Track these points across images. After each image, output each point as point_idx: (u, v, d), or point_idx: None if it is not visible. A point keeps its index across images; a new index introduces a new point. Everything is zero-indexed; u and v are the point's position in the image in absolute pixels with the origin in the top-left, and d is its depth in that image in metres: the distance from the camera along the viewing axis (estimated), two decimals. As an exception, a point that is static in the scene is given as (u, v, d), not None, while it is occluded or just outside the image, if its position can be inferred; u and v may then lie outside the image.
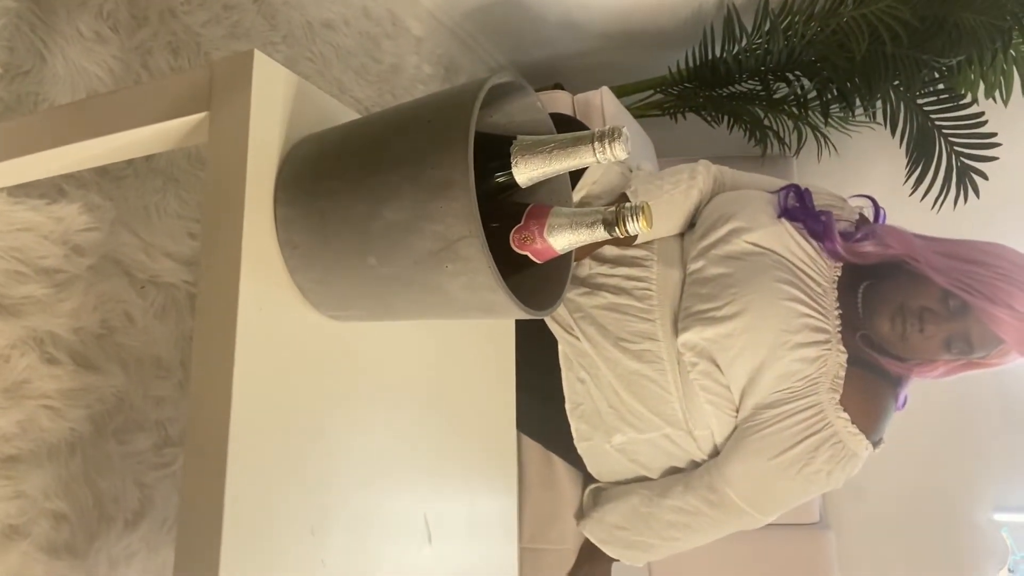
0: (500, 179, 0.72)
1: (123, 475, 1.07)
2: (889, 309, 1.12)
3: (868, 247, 1.18)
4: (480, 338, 1.04)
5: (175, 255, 1.17)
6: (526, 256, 0.75)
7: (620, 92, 2.11)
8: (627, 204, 0.69)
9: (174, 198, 1.19)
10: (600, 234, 0.71)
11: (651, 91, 2.36)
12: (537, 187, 0.79)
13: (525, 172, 0.69)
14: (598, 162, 0.66)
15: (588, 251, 1.28)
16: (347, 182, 0.68)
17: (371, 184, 0.66)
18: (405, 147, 0.65)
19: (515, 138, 0.71)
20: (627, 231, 0.70)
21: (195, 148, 1.24)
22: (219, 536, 0.61)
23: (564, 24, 2.28)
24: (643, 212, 0.69)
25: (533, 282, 0.76)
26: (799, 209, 1.22)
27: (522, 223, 0.73)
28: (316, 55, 1.58)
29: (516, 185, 0.75)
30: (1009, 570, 2.04)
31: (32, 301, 0.97)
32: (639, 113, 2.35)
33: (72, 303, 1.01)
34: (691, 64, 2.25)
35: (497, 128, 0.78)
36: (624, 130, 0.64)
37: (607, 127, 0.64)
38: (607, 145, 0.64)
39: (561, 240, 0.72)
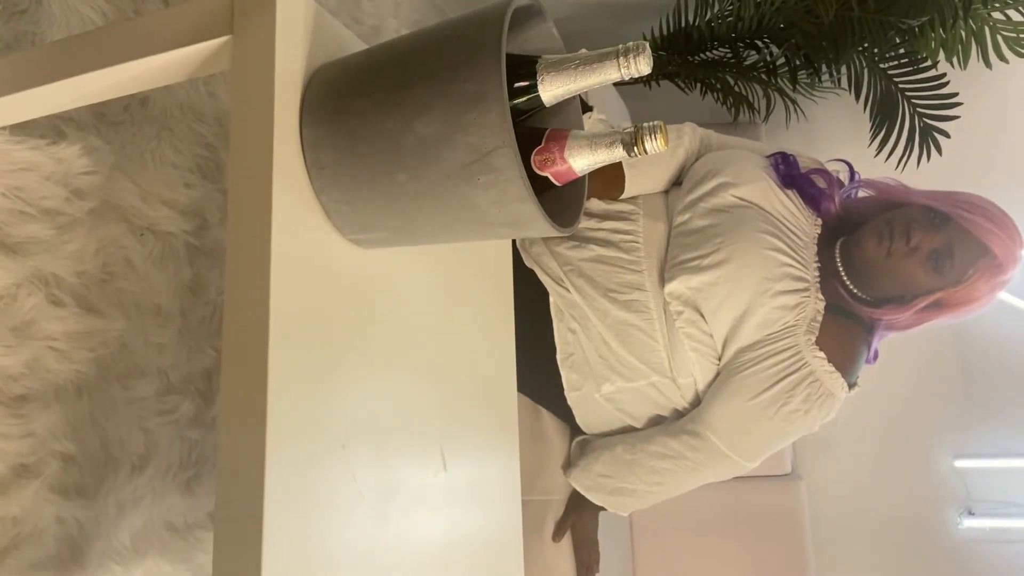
0: (520, 101, 0.74)
1: (128, 420, 1.06)
2: (876, 228, 1.18)
3: (859, 196, 1.28)
4: (483, 287, 1.06)
5: (172, 203, 1.17)
6: (545, 180, 0.78)
7: (595, 59, 2.13)
8: (644, 124, 0.72)
9: (168, 147, 1.18)
10: (619, 154, 0.74)
11: (624, 59, 2.39)
12: (550, 116, 0.82)
13: (550, 89, 0.71)
14: (622, 77, 0.68)
15: (597, 190, 1.32)
16: (377, 99, 0.69)
17: (401, 100, 0.67)
18: (436, 63, 0.67)
19: (536, 59, 0.73)
20: (645, 150, 0.72)
21: (187, 97, 1.23)
22: (263, 447, 0.62)
23: (538, -9, 2.29)
24: (660, 131, 0.72)
25: (552, 207, 0.78)
26: (795, 175, 1.28)
27: (542, 144, 0.75)
28: (299, 12, 1.58)
29: (533, 109, 0.77)
30: (970, 512, 2.15)
31: (36, 241, 0.96)
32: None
33: (74, 246, 1.01)
34: (664, 32, 2.29)
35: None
36: (647, 45, 0.67)
37: (631, 42, 0.67)
38: (632, 60, 0.67)
39: (581, 161, 0.75)
